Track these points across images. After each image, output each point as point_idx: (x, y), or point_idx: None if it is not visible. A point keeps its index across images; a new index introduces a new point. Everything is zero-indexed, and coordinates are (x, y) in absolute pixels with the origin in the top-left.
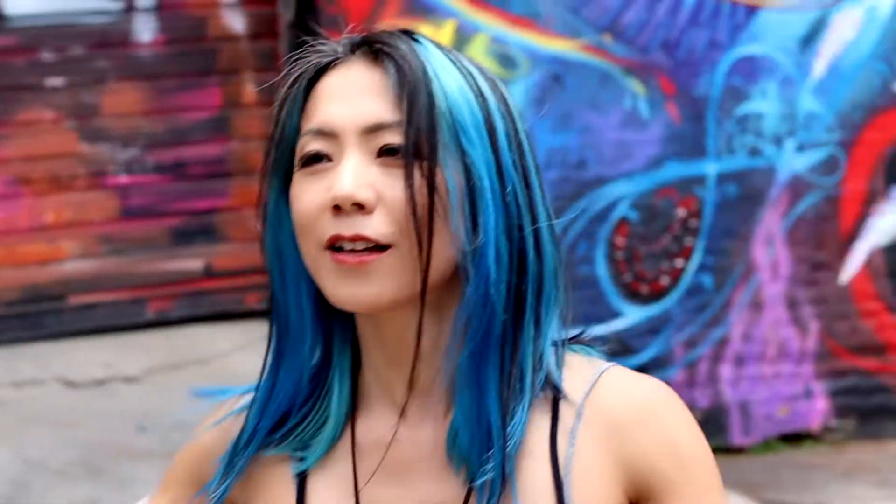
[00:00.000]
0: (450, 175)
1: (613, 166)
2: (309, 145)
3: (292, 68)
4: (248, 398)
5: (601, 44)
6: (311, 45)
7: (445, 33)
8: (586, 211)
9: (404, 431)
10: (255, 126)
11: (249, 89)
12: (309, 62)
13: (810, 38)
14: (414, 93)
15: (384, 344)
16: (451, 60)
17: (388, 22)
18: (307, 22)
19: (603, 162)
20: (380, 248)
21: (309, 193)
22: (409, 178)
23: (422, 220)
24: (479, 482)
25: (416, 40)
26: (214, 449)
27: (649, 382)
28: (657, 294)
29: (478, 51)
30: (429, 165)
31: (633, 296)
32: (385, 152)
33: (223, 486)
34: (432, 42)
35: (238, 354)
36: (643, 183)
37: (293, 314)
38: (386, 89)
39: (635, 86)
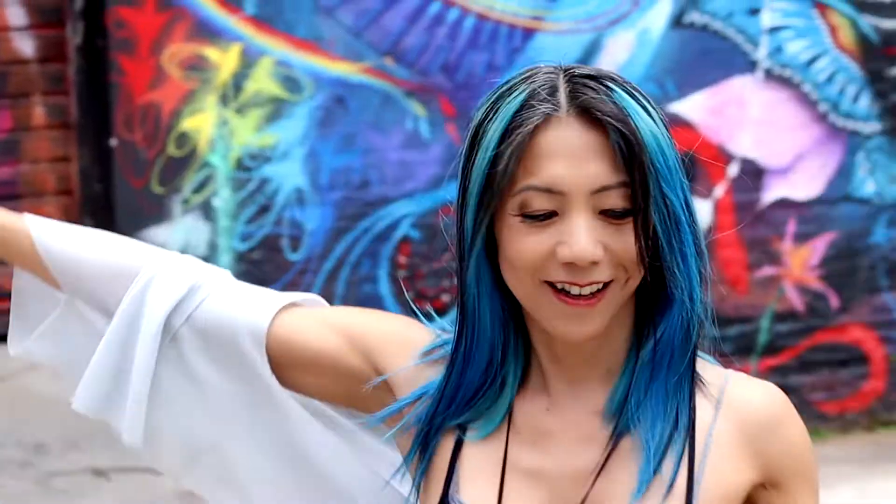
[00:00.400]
0: (659, 221)
1: (396, 186)
2: (535, 201)
3: (504, 91)
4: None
5: (383, 67)
6: (518, 85)
7: (231, 57)
8: (370, 230)
9: (555, 413)
10: (45, 149)
11: (39, 112)
12: (523, 114)
13: (584, 61)
14: (635, 160)
15: (551, 345)
16: (641, 103)
17: (209, 47)
18: (96, 45)
19: (385, 182)
20: (600, 289)
21: (532, 241)
22: (637, 237)
23: (640, 266)
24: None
25: (610, 88)
26: (402, 359)
27: (776, 389)
28: (438, 312)
29: (263, 73)
30: (644, 218)
31: (415, 314)
32: (607, 212)
33: (412, 458)
34: (621, 84)
35: (28, 374)
36: (425, 202)
37: (485, 321)
38: (606, 152)
39: (416, 107)
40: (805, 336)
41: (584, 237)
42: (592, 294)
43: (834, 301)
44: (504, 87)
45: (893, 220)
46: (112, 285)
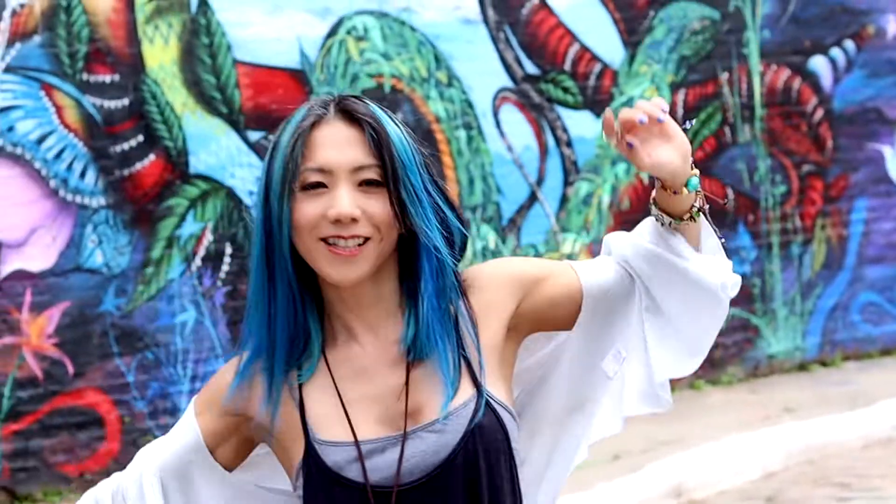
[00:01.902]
0: (405, 194)
1: None
2: (311, 177)
3: (292, 117)
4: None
5: None
6: (302, 107)
7: None
8: None
9: (365, 351)
10: None
11: None
12: (304, 119)
13: None
14: (383, 146)
15: (344, 298)
16: (389, 117)
17: None
18: None
19: None
20: (361, 242)
21: (311, 206)
22: (391, 200)
23: (392, 224)
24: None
25: (366, 102)
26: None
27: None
28: None
29: None
30: (395, 191)
31: None
32: (364, 183)
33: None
34: (372, 103)
35: None
36: None
37: (280, 283)
38: (362, 142)
39: None
40: (44, 401)
41: (346, 200)
42: (356, 246)
43: (70, 367)
44: (296, 111)
45: (121, 288)
46: None
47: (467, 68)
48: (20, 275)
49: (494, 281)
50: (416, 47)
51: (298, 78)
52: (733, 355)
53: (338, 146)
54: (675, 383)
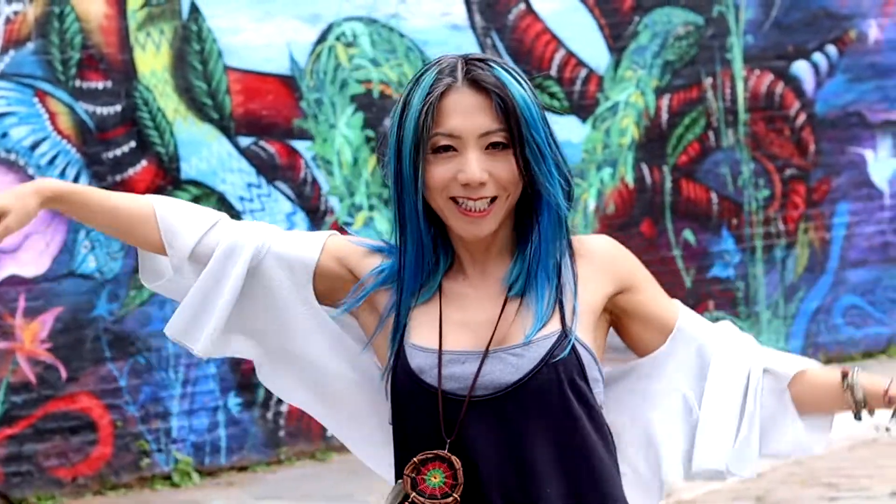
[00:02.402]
0: (530, 154)
1: None
2: (441, 141)
3: (422, 77)
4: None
5: None
6: (430, 69)
7: None
8: None
9: (471, 284)
10: None
11: None
12: (434, 86)
13: None
14: (509, 112)
15: (464, 241)
16: (514, 79)
17: None
18: None
19: None
20: (489, 202)
21: (442, 169)
22: (517, 161)
23: (518, 183)
24: (512, 293)
25: (492, 66)
26: (355, 254)
27: (606, 236)
28: None
29: None
30: (521, 152)
31: None
32: (491, 146)
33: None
34: (500, 65)
35: None
36: None
37: (419, 232)
38: (489, 109)
39: None
40: (38, 406)
41: (474, 165)
42: (483, 209)
43: (63, 372)
44: (422, 70)
45: (113, 294)
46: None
47: None
48: (14, 280)
49: (603, 257)
50: (405, 53)
51: (288, 84)
52: None
53: (466, 113)
54: None
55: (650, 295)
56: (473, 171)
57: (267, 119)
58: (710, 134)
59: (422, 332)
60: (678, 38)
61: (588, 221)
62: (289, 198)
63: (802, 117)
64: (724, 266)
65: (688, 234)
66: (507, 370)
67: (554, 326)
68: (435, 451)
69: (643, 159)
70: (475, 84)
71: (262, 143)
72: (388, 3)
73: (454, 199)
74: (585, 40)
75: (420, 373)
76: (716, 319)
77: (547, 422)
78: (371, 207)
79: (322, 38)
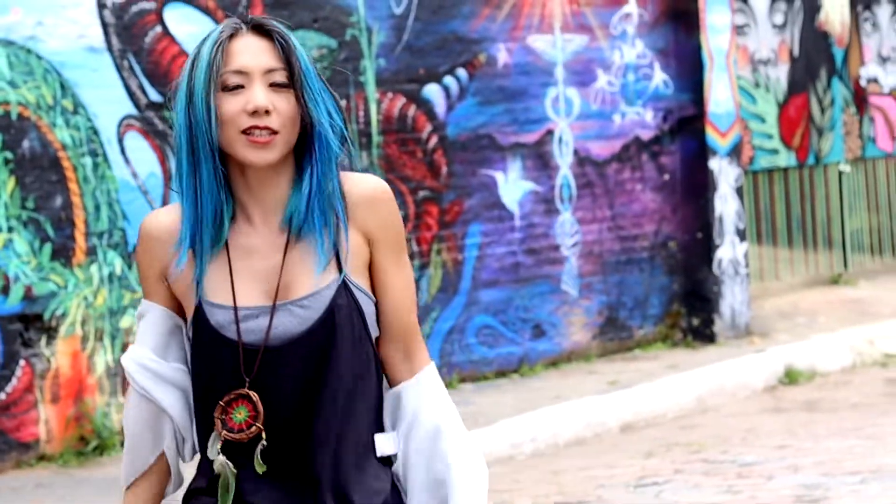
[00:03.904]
0: (306, 93)
1: None
2: (231, 79)
3: (209, 35)
4: (166, 215)
5: None
6: (219, 26)
7: None
8: None
9: (256, 232)
10: None
11: None
12: (222, 32)
13: None
14: (290, 53)
15: (249, 182)
16: (288, 31)
17: None
18: None
19: None
20: (273, 133)
21: (232, 102)
22: (296, 98)
23: (296, 120)
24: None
25: (272, 22)
26: (163, 236)
27: (377, 179)
28: None
29: None
30: (300, 92)
31: None
32: (274, 85)
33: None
34: (277, 21)
35: None
36: None
37: (206, 171)
38: (272, 50)
39: None
40: None
41: (261, 94)
42: (269, 135)
43: None
44: (211, 30)
45: None
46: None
47: (93, 96)
48: None
49: (361, 197)
50: (42, 75)
51: None
52: None
53: (252, 52)
54: None
55: (390, 264)
56: (260, 98)
57: None
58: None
59: (216, 289)
60: (313, 62)
61: None
62: None
63: (434, 139)
64: None
65: None
66: (294, 322)
67: (332, 274)
68: (236, 392)
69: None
70: (259, 28)
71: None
72: (25, 25)
73: (244, 132)
74: None
75: (220, 328)
76: None
77: (328, 366)
78: (10, 229)
79: None
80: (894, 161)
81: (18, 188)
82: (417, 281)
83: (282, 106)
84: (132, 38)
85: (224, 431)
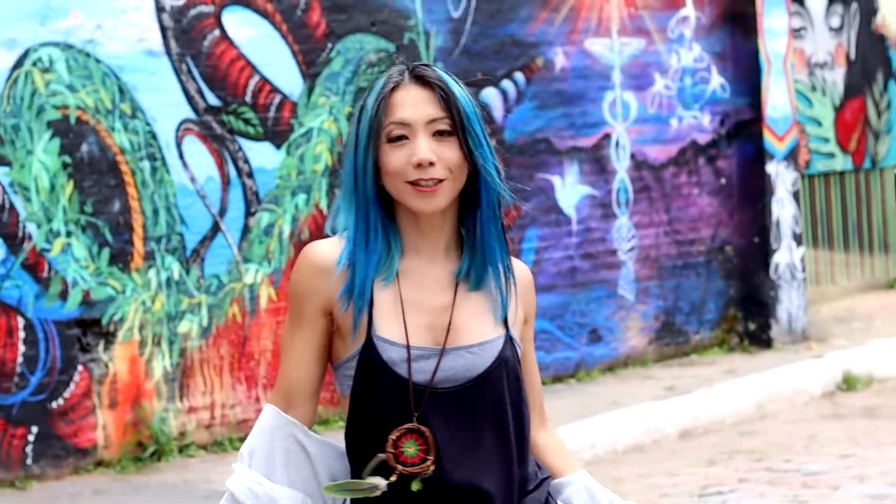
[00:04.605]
0: (470, 139)
1: None
2: (395, 130)
3: (375, 84)
4: (331, 247)
5: None
6: (382, 76)
7: None
8: None
9: (427, 267)
10: None
11: None
12: (385, 85)
13: None
14: (451, 102)
15: (419, 225)
16: (453, 80)
17: None
18: None
19: None
20: (439, 181)
21: (396, 156)
22: (460, 147)
23: (462, 166)
24: (461, 277)
25: (434, 68)
26: (330, 267)
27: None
28: None
29: None
30: (464, 139)
31: None
32: (437, 133)
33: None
34: (437, 69)
35: None
36: None
37: (366, 216)
38: (434, 101)
39: None
40: None
41: (423, 148)
42: (435, 184)
43: None
44: (375, 80)
45: None
46: None
47: (151, 100)
48: None
49: (523, 280)
50: (101, 79)
51: None
52: None
53: (414, 105)
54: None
55: (529, 344)
56: (424, 151)
57: None
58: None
59: (388, 325)
60: (370, 65)
61: (283, 247)
62: None
63: (492, 143)
64: None
65: None
66: (464, 367)
67: (499, 328)
68: (407, 426)
69: (337, 185)
70: (421, 80)
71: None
72: (84, 29)
73: (410, 183)
74: (279, 67)
75: (392, 364)
76: None
77: (494, 409)
78: (69, 234)
79: (18, 64)
80: None
81: (77, 193)
82: None
83: (446, 154)
84: (191, 41)
85: (399, 466)
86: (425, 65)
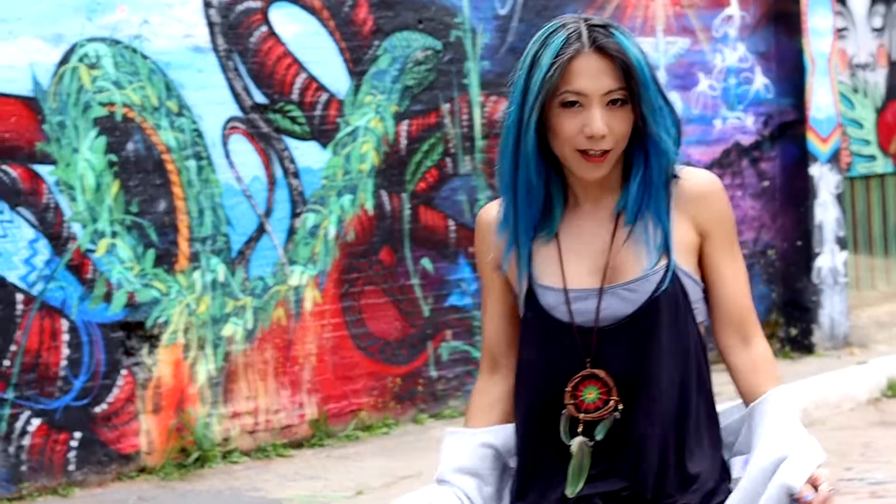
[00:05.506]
0: (646, 108)
1: None
2: (570, 97)
3: (549, 35)
4: (499, 206)
5: None
6: (558, 31)
7: None
8: None
9: (586, 217)
10: None
11: None
12: (564, 49)
13: None
14: (630, 74)
15: (582, 181)
16: (632, 42)
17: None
18: None
19: None
20: (606, 151)
21: (570, 122)
22: (635, 115)
23: (628, 135)
24: (624, 213)
25: (612, 33)
26: (494, 226)
27: (710, 174)
28: None
29: None
30: (639, 108)
31: None
32: (611, 103)
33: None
34: (619, 30)
35: None
36: None
37: (524, 171)
38: (612, 71)
39: None
40: None
41: (598, 121)
42: (601, 154)
43: None
44: (548, 31)
45: None
46: None
47: (197, 97)
48: None
49: (692, 193)
50: (148, 75)
51: (31, 106)
52: (454, 388)
53: (592, 75)
54: (398, 416)
55: (722, 255)
56: (599, 125)
57: (9, 142)
58: (448, 160)
59: (546, 271)
60: (417, 63)
61: (328, 249)
62: (31, 224)
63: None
64: (462, 294)
65: (426, 262)
66: (622, 305)
67: (660, 260)
68: (581, 374)
69: (383, 186)
70: (601, 50)
71: (3, 167)
72: (131, 24)
73: (580, 151)
74: (326, 64)
75: (550, 310)
76: (453, 350)
77: (660, 342)
78: (114, 234)
79: (65, 60)
80: None
81: (122, 192)
82: None
83: (617, 126)
84: (238, 37)
85: (581, 414)
86: (603, 27)
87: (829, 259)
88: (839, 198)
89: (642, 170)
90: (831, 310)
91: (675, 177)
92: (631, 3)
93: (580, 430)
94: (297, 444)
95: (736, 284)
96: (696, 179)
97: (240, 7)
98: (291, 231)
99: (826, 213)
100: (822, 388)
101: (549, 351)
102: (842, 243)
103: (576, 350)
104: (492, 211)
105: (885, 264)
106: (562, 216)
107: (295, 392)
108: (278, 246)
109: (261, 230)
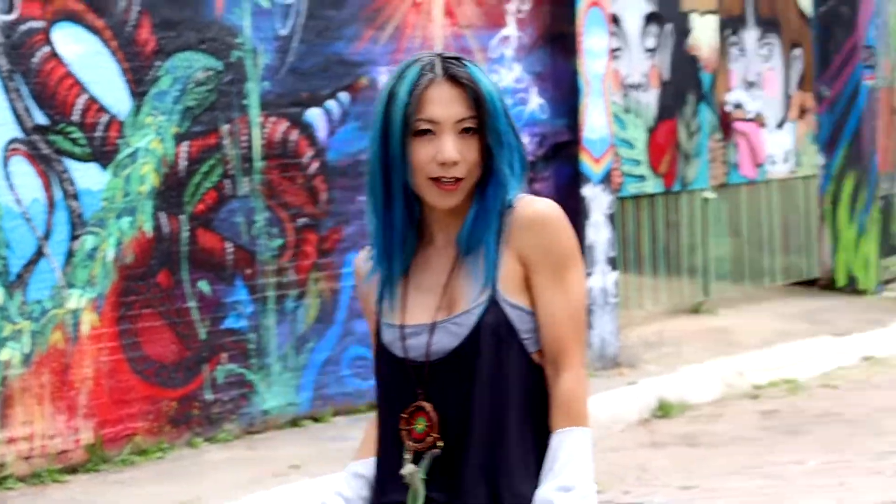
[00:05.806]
0: (493, 139)
1: None
2: (423, 125)
3: (403, 72)
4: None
5: None
6: (413, 65)
7: None
8: None
9: (435, 251)
10: None
11: None
12: (420, 79)
13: None
14: (480, 103)
15: (435, 213)
16: (484, 74)
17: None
18: None
19: None
20: (459, 180)
21: (423, 150)
22: (481, 148)
23: (480, 164)
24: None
25: (465, 65)
26: (362, 268)
27: (548, 204)
28: None
29: None
30: (487, 138)
31: None
32: (464, 131)
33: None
34: (470, 63)
35: None
36: None
37: (397, 206)
38: (464, 100)
39: None
40: None
41: (450, 147)
42: (454, 182)
43: None
44: (405, 66)
45: None
46: None
47: None
48: None
49: (519, 223)
50: None
51: None
52: (230, 412)
53: (445, 103)
54: (174, 440)
55: (545, 285)
56: (450, 151)
57: None
58: (227, 182)
59: (390, 308)
60: (198, 84)
61: (107, 271)
62: None
63: (315, 165)
64: (238, 317)
65: (203, 285)
66: (449, 339)
67: (487, 292)
68: (414, 405)
69: (162, 207)
70: (453, 79)
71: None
72: None
73: (432, 179)
74: (108, 85)
75: (389, 346)
76: (228, 373)
77: (480, 374)
78: None
79: None
80: (755, 188)
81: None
82: (294, 310)
83: (468, 153)
84: (20, 57)
85: (409, 442)
86: (455, 58)
87: (599, 279)
88: (611, 218)
89: (479, 201)
90: (602, 330)
91: (511, 206)
92: (410, 24)
93: (414, 458)
94: (73, 470)
95: (553, 315)
96: (527, 209)
97: (22, 27)
98: (70, 254)
99: (598, 233)
100: (592, 409)
101: (388, 385)
102: (613, 263)
103: (409, 384)
104: (359, 258)
105: (654, 283)
106: (416, 251)
107: (71, 417)
108: (57, 269)
109: (39, 253)
